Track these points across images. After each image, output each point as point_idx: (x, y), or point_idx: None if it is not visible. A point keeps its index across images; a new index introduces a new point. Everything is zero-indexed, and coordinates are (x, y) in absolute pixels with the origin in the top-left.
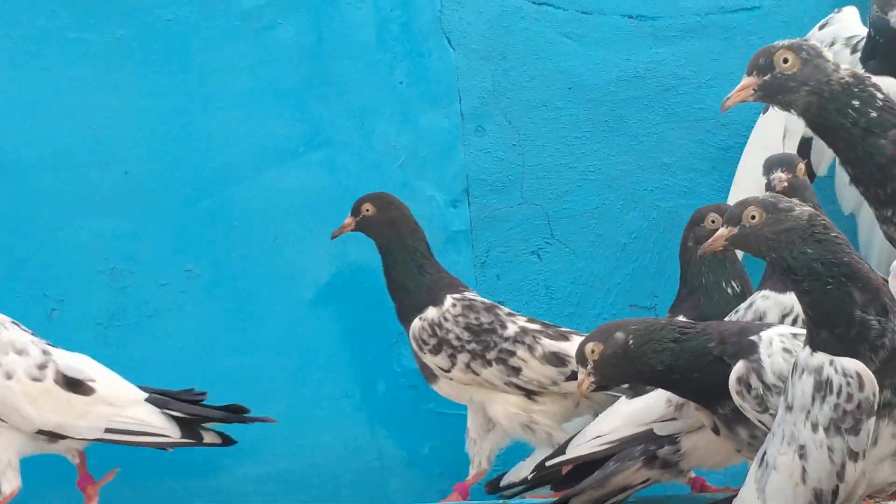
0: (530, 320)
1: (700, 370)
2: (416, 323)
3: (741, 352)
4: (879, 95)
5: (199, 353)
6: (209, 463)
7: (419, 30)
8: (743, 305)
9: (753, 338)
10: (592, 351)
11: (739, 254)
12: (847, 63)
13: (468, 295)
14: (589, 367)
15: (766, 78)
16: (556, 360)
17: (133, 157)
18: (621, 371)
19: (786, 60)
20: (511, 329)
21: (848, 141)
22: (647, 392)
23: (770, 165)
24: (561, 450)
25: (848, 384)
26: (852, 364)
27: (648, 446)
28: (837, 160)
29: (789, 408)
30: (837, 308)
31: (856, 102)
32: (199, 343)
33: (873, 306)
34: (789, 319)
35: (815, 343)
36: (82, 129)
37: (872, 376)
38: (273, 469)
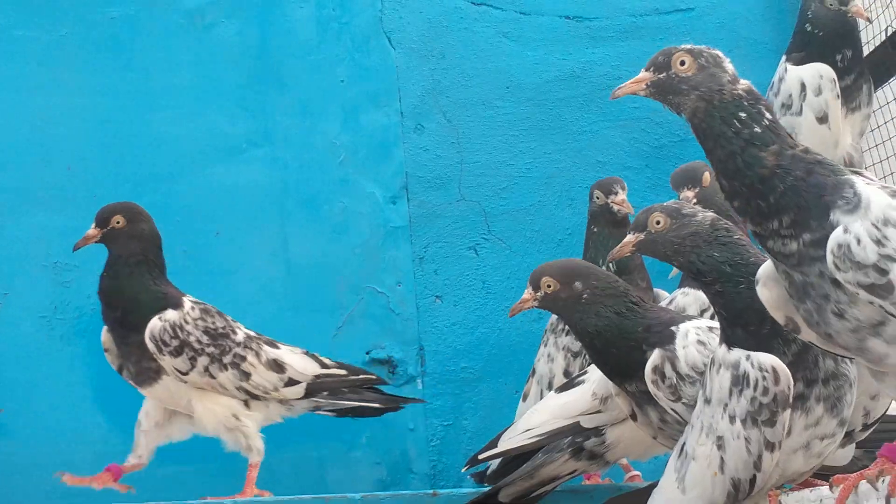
0: (247, 330)
1: (619, 349)
2: (157, 323)
3: (659, 341)
4: (768, 115)
5: None
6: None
7: (360, 29)
8: (666, 299)
9: (673, 328)
10: (548, 285)
11: None
12: None
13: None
14: (539, 294)
15: (661, 76)
16: (276, 366)
17: (76, 153)
18: (559, 312)
19: (682, 63)
20: (240, 335)
21: (728, 151)
22: (574, 386)
23: (676, 184)
24: (493, 443)
25: (764, 378)
26: (768, 359)
27: (576, 438)
28: (716, 173)
29: (707, 401)
30: (750, 306)
31: (742, 114)
32: None
33: None
34: (708, 314)
35: (730, 341)
36: (26, 126)
37: (787, 370)
38: (215, 460)
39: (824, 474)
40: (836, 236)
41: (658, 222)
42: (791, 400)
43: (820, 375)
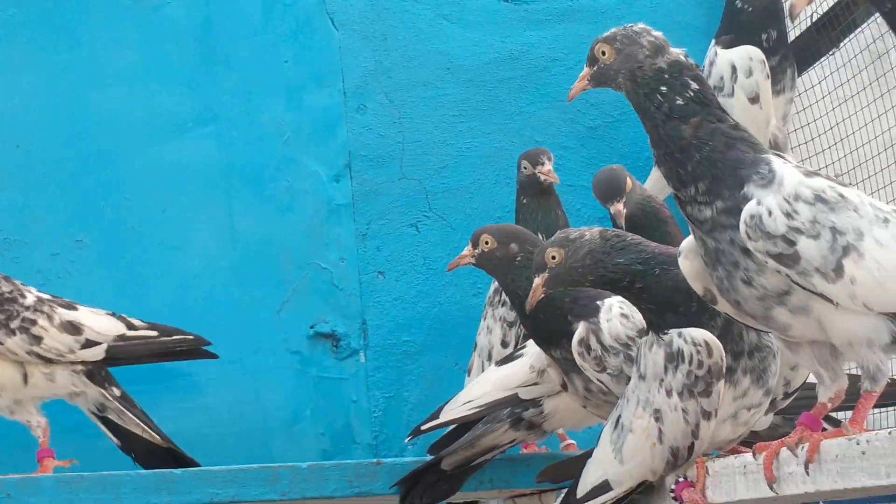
0: (39, 293)
1: (546, 315)
2: None
3: (584, 313)
4: (693, 86)
5: None
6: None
7: (304, 11)
8: None
9: (598, 302)
10: (486, 242)
11: None
12: None
13: None
14: (476, 252)
15: (594, 69)
16: (72, 328)
17: (25, 130)
18: (493, 271)
19: (603, 52)
20: (30, 299)
21: (653, 123)
22: (514, 360)
23: (602, 197)
24: (436, 415)
25: (698, 352)
26: (700, 333)
27: (514, 409)
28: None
29: (642, 377)
30: (674, 288)
31: (664, 88)
32: None
33: None
34: None
35: (660, 329)
36: None
37: (719, 343)
38: (163, 429)
39: (748, 441)
40: (749, 207)
41: (553, 257)
42: (724, 370)
43: (745, 348)
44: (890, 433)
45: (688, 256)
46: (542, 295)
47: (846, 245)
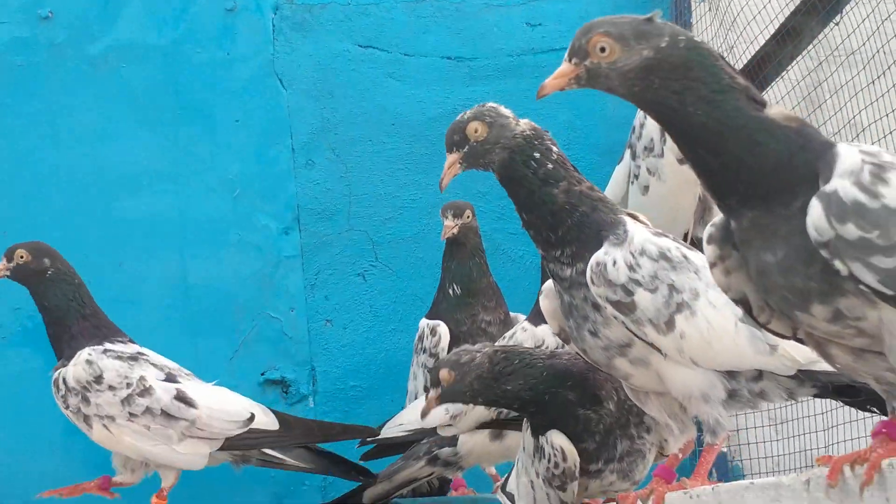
0: None
1: None
2: None
3: None
4: (554, 150)
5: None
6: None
7: (253, 72)
8: (508, 334)
9: None
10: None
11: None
12: None
13: None
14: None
15: (465, 150)
16: None
17: None
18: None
19: (476, 130)
20: None
21: (529, 189)
22: None
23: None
24: (378, 431)
25: (555, 455)
26: (560, 440)
27: (432, 447)
28: (516, 206)
29: (524, 449)
30: (561, 413)
31: (536, 154)
32: (49, 364)
33: (586, 397)
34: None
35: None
36: None
37: (575, 451)
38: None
39: None
40: (596, 255)
41: (445, 377)
42: (577, 474)
43: (616, 455)
44: (713, 489)
45: (548, 297)
46: (434, 407)
47: (681, 302)
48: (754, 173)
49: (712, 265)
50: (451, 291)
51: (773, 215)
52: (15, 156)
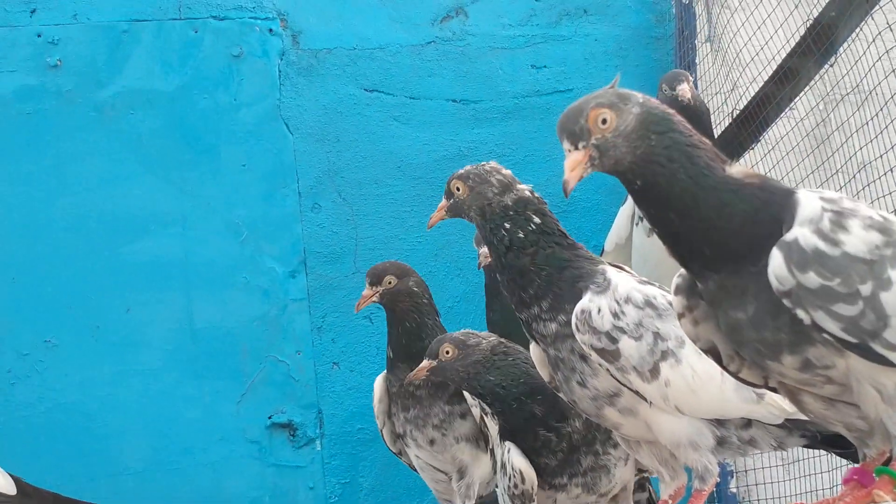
0: None
1: None
2: None
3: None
4: (536, 220)
5: (59, 418)
6: None
7: (260, 117)
8: None
9: None
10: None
11: None
12: None
13: None
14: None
15: (451, 202)
16: None
17: None
18: None
19: (458, 188)
20: None
21: (497, 254)
22: None
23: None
24: None
25: (514, 476)
26: (518, 462)
27: None
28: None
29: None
30: (524, 425)
31: (507, 224)
32: (60, 409)
33: (553, 415)
34: None
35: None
36: None
37: (533, 474)
38: None
39: None
40: (581, 303)
41: (447, 352)
42: (535, 496)
43: (580, 470)
44: None
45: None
46: (424, 377)
47: (666, 350)
48: (722, 234)
49: (680, 316)
50: (389, 353)
51: (741, 275)
52: (25, 202)
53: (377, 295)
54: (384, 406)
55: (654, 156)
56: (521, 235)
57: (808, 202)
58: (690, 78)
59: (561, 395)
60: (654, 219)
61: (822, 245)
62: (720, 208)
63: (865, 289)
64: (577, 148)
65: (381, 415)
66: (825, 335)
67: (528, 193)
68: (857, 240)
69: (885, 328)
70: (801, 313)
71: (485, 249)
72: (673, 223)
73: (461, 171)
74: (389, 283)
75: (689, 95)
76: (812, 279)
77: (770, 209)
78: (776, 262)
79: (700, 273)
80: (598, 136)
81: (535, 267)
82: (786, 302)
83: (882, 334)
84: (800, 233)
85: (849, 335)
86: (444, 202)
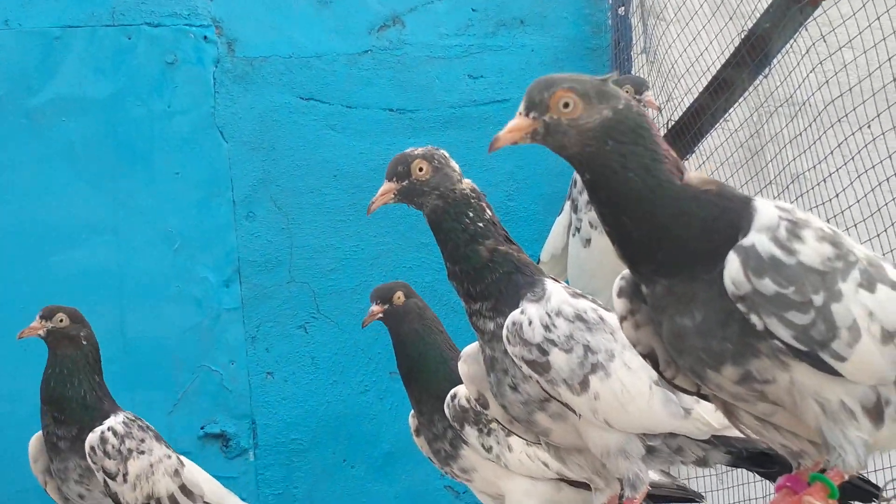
0: None
1: None
2: None
3: None
4: (488, 212)
5: None
6: None
7: (194, 124)
8: None
9: None
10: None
11: None
12: None
13: None
14: None
15: (404, 184)
16: None
17: None
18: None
19: (421, 169)
20: None
21: (455, 243)
22: None
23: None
24: None
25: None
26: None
27: None
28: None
29: None
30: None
31: (470, 213)
32: None
33: None
34: None
35: None
36: None
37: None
38: None
39: None
40: (513, 315)
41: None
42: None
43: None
44: None
45: (466, 361)
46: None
47: (596, 363)
48: (678, 241)
49: (622, 319)
50: None
51: (693, 281)
52: None
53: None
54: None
55: (606, 160)
56: (480, 225)
57: (766, 210)
58: None
59: (490, 410)
60: (605, 218)
61: (778, 253)
62: (678, 217)
63: (818, 299)
64: (527, 115)
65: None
66: (775, 342)
67: (475, 185)
68: (812, 250)
69: (834, 339)
70: (754, 318)
71: (376, 307)
72: (625, 226)
73: (418, 150)
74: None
75: (655, 105)
76: (768, 286)
77: (727, 216)
78: (733, 266)
79: (648, 277)
80: (553, 115)
81: (492, 263)
82: (740, 307)
83: (831, 344)
84: (757, 239)
85: (799, 343)
86: (391, 185)
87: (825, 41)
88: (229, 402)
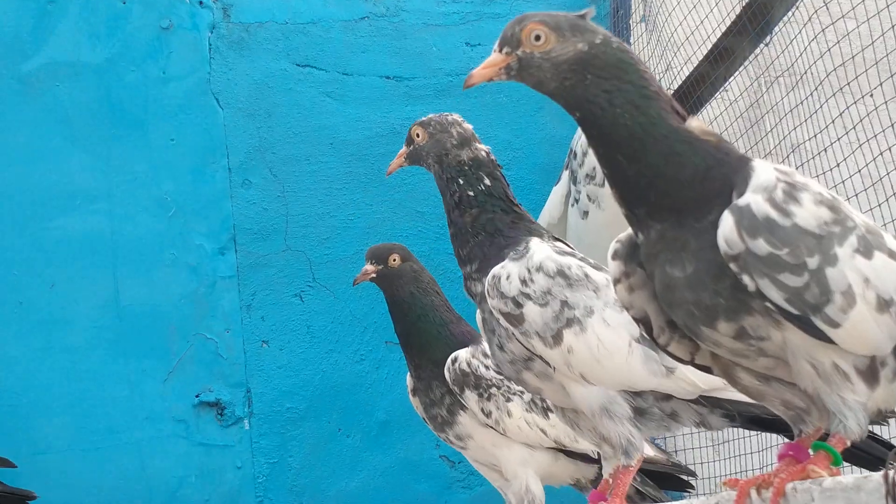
0: None
1: None
2: None
3: None
4: (486, 181)
5: None
6: None
7: (189, 91)
8: None
9: None
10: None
11: None
12: None
13: None
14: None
15: (410, 148)
16: None
17: None
18: None
19: (418, 135)
20: None
21: (446, 207)
22: None
23: (366, 256)
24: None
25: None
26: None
27: None
28: None
29: None
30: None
31: (461, 180)
32: None
33: None
34: None
35: None
36: None
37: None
38: (49, 499)
39: None
40: (493, 270)
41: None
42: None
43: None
44: None
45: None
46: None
47: (571, 317)
48: (670, 183)
49: (616, 281)
50: None
51: (683, 229)
52: None
53: None
54: None
55: (591, 96)
56: (470, 193)
57: (764, 171)
58: None
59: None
60: (602, 158)
61: (773, 214)
62: (669, 157)
63: (812, 262)
64: (500, 51)
65: None
66: (767, 304)
67: (483, 154)
68: (808, 213)
69: (828, 303)
70: (746, 279)
71: (370, 266)
72: (621, 164)
73: (423, 118)
74: None
75: None
76: (761, 246)
77: (723, 169)
78: (727, 225)
79: (643, 221)
80: (526, 49)
81: (472, 229)
82: (732, 266)
83: (824, 309)
84: (753, 199)
85: (791, 306)
86: (403, 149)
87: (828, 9)
88: (224, 370)
